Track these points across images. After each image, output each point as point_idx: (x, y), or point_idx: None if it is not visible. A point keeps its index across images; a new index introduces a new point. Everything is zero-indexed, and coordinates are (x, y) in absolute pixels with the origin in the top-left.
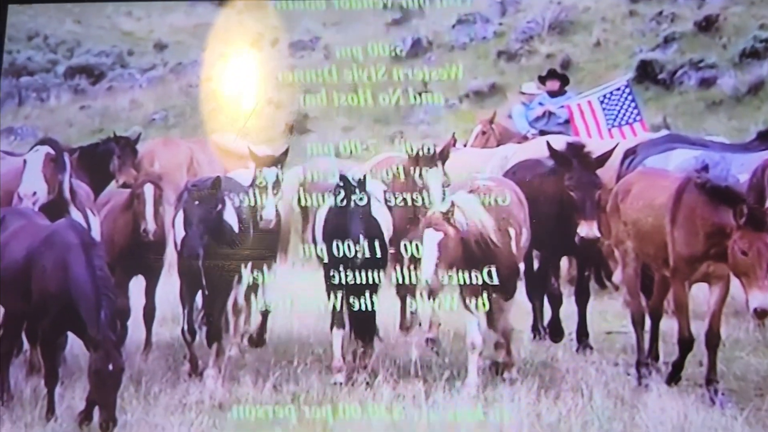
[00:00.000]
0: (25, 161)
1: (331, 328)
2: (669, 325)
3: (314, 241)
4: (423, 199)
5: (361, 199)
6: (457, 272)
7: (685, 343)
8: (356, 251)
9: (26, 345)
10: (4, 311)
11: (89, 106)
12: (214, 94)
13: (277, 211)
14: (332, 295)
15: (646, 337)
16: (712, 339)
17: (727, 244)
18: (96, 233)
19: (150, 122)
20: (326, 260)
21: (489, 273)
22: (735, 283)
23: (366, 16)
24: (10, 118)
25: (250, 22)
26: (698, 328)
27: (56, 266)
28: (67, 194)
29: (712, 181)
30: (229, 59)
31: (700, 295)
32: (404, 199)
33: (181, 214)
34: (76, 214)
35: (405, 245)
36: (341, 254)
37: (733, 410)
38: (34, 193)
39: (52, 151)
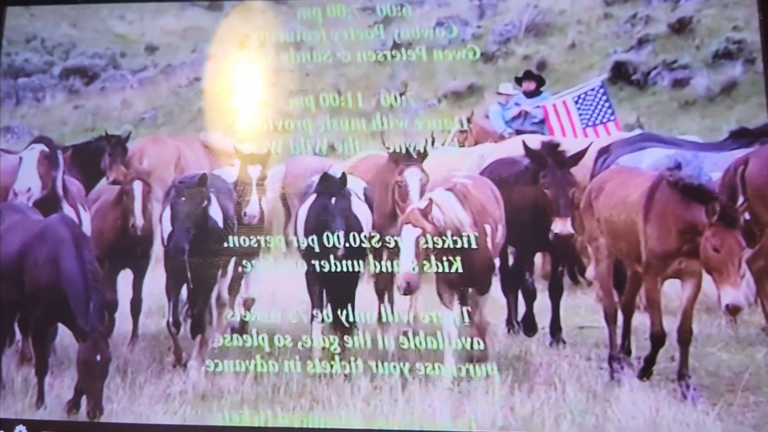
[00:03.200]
0: (20, 158)
1: (311, 321)
2: (641, 320)
3: (296, 236)
4: (402, 197)
5: (341, 196)
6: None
7: (657, 338)
8: (337, 246)
9: (18, 335)
10: None
11: (83, 105)
12: (202, 94)
13: (260, 207)
14: (313, 289)
15: (619, 332)
16: (684, 335)
17: (700, 241)
18: (87, 228)
19: (140, 121)
20: (307, 255)
21: (465, 268)
22: (707, 279)
23: (349, 19)
24: (7, 118)
25: (238, 25)
26: (670, 324)
27: (48, 259)
28: (60, 190)
29: (685, 179)
30: (217, 60)
31: (673, 292)
32: (384, 197)
33: (168, 210)
34: (68, 209)
35: (384, 241)
36: (322, 249)
37: (704, 405)
38: (29, 189)
39: (46, 149)
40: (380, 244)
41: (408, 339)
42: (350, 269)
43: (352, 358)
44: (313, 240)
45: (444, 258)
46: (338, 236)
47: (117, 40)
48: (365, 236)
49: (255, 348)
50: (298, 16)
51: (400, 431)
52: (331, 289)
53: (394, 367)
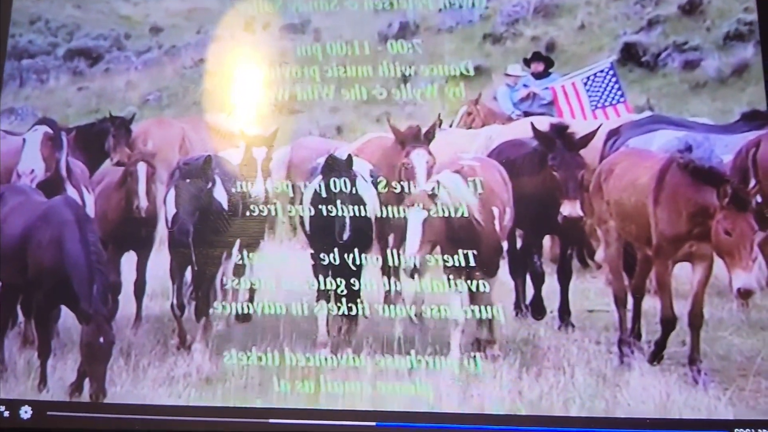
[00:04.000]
0: (24, 140)
1: (317, 304)
2: (651, 304)
3: (302, 220)
4: (409, 179)
5: (347, 177)
6: (441, 251)
7: (668, 322)
8: (342, 229)
9: (21, 318)
10: (1, 284)
11: (87, 87)
12: (207, 75)
13: (265, 189)
14: (318, 273)
15: (629, 315)
16: (695, 319)
17: (711, 224)
18: (90, 210)
19: (144, 103)
20: (313, 237)
21: (473, 251)
22: (718, 263)
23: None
24: (11, 99)
25: (243, 6)
26: (681, 308)
27: (51, 241)
28: (63, 172)
29: (696, 161)
30: (222, 42)
31: (683, 275)
32: (390, 179)
33: (172, 192)
34: (71, 191)
35: (390, 224)
36: (328, 232)
37: (716, 390)
38: (32, 171)
39: (50, 131)
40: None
41: (414, 322)
42: (356, 252)
43: (358, 343)
44: (318, 222)
45: (451, 241)
46: (344, 217)
47: (121, 21)
48: (371, 218)
49: (260, 331)
50: None
51: (406, 412)
52: (337, 271)
53: (400, 350)
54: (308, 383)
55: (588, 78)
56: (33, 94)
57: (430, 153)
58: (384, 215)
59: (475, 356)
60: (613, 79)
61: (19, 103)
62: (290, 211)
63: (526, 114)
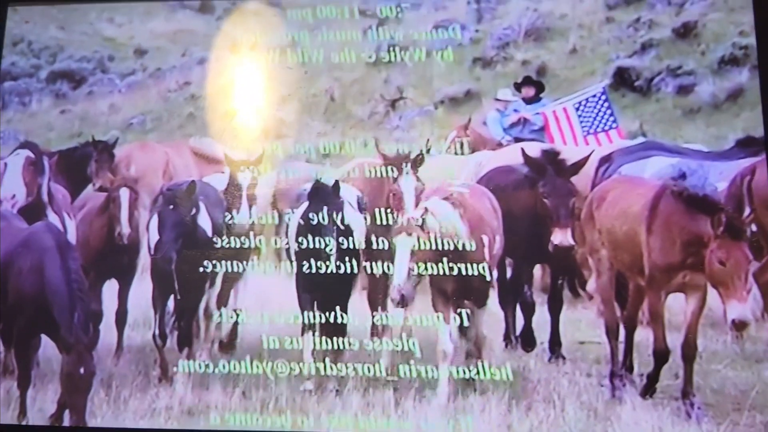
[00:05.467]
0: (5, 164)
1: (302, 335)
2: (644, 335)
3: (287, 247)
4: (396, 205)
5: (334, 204)
6: (430, 280)
7: (661, 354)
8: (328, 258)
9: (0, 347)
10: None
11: (69, 110)
12: (192, 99)
13: (250, 216)
14: (304, 303)
15: (621, 347)
16: (689, 351)
17: (705, 253)
18: (72, 236)
19: (128, 126)
20: (298, 267)
21: (461, 280)
22: (712, 293)
23: (343, 22)
24: None
25: (229, 28)
26: (674, 340)
27: (32, 268)
28: (45, 197)
29: (690, 189)
30: (208, 64)
31: (676, 306)
32: (378, 205)
33: (155, 218)
34: (53, 217)
35: (376, 251)
36: (313, 261)
37: (709, 425)
38: (14, 196)
39: (32, 155)
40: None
41: (402, 352)
42: (342, 280)
43: (344, 372)
44: (304, 250)
45: (439, 269)
46: (330, 247)
47: (105, 43)
48: (358, 247)
49: (242, 362)
50: (291, 18)
51: None
52: (323, 301)
53: (387, 381)
54: (293, 416)
55: (580, 103)
56: (15, 118)
57: (418, 179)
58: (371, 243)
59: (463, 389)
60: (606, 104)
61: (1, 127)
62: (275, 240)
63: (517, 140)
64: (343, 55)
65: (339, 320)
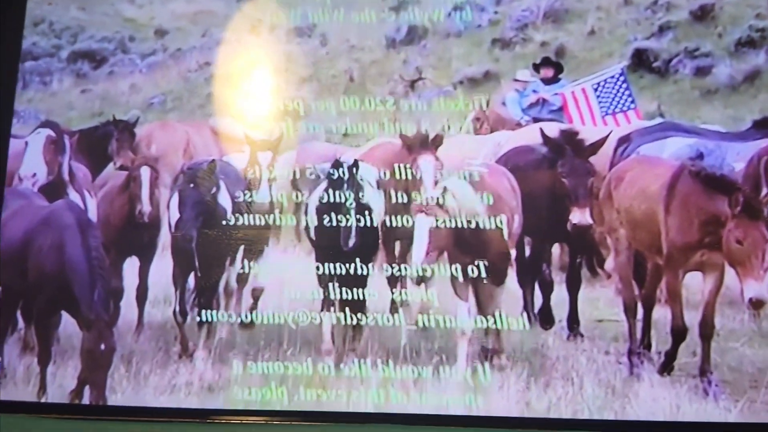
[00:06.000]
0: (26, 143)
1: (321, 311)
2: (662, 314)
3: (307, 226)
4: (416, 185)
5: (353, 184)
6: (449, 259)
7: (679, 332)
8: (348, 236)
9: (21, 324)
10: (1, 290)
11: (90, 90)
12: (212, 79)
13: (270, 195)
14: (323, 280)
15: (639, 325)
16: (706, 329)
17: (722, 233)
18: (92, 214)
19: (148, 106)
20: (318, 245)
21: (480, 259)
22: (730, 272)
23: (362, 3)
24: (14, 102)
25: (249, 9)
26: (692, 318)
27: (52, 246)
28: (65, 176)
29: (707, 169)
30: (228, 45)
31: (694, 284)
32: (397, 185)
33: (176, 197)
34: (73, 195)
35: (396, 230)
36: (333, 239)
37: (727, 402)
38: (34, 175)
39: (53, 134)
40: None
41: (420, 329)
42: (362, 259)
43: (363, 349)
44: (324, 228)
45: (458, 249)
46: (350, 225)
47: (126, 23)
48: (377, 225)
49: (262, 339)
50: (311, 0)
51: (413, 414)
52: (342, 278)
53: (406, 360)
54: (312, 392)
55: (598, 84)
56: (36, 97)
57: (437, 159)
58: (390, 222)
59: (482, 366)
60: (624, 85)
61: (22, 106)
62: (295, 218)
63: (536, 120)
64: (362, 36)
65: (358, 297)
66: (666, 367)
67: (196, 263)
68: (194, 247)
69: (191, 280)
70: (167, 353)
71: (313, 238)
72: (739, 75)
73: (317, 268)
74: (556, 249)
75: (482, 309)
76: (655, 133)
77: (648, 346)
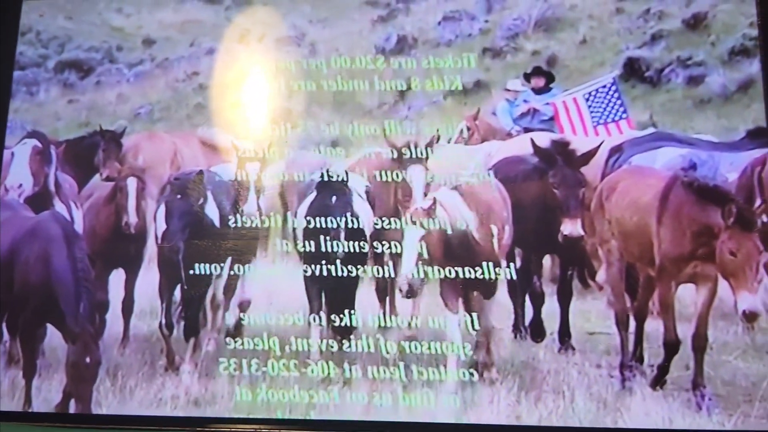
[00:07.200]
0: (12, 154)
1: (309, 323)
2: (654, 326)
3: (295, 237)
4: (405, 195)
5: (342, 194)
6: (438, 269)
7: (671, 345)
8: (336, 247)
9: (6, 336)
10: None
11: (77, 100)
12: (200, 89)
13: (258, 205)
14: (311, 291)
15: (631, 338)
16: (699, 342)
17: (715, 244)
18: (79, 225)
19: (136, 116)
20: (306, 255)
21: (470, 271)
22: (723, 284)
23: (352, 13)
24: (8, 114)
25: (238, 18)
26: (685, 331)
27: (38, 258)
28: (52, 187)
29: (700, 179)
30: (216, 55)
31: (687, 297)
32: (386, 195)
33: (163, 208)
34: (60, 206)
35: (385, 242)
36: (321, 250)
37: (720, 416)
38: (20, 185)
39: (39, 144)
40: (381, 244)
41: (410, 344)
42: (350, 270)
43: (351, 364)
44: (312, 240)
45: (448, 260)
46: (338, 236)
47: (114, 33)
48: (366, 236)
49: (249, 352)
50: (300, 9)
51: (401, 423)
52: (331, 292)
53: (395, 373)
54: (300, 401)
55: (590, 93)
56: (22, 107)
57: (427, 169)
58: (379, 233)
59: (472, 379)
60: (616, 95)
61: (9, 116)
62: (283, 230)
63: (526, 130)
64: (351, 46)
65: (347, 307)
66: (658, 381)
67: (183, 275)
68: (181, 258)
69: (178, 293)
70: (153, 366)
71: (301, 249)
72: (732, 84)
73: (305, 277)
74: (547, 261)
75: (472, 321)
76: (648, 143)
77: (640, 359)
